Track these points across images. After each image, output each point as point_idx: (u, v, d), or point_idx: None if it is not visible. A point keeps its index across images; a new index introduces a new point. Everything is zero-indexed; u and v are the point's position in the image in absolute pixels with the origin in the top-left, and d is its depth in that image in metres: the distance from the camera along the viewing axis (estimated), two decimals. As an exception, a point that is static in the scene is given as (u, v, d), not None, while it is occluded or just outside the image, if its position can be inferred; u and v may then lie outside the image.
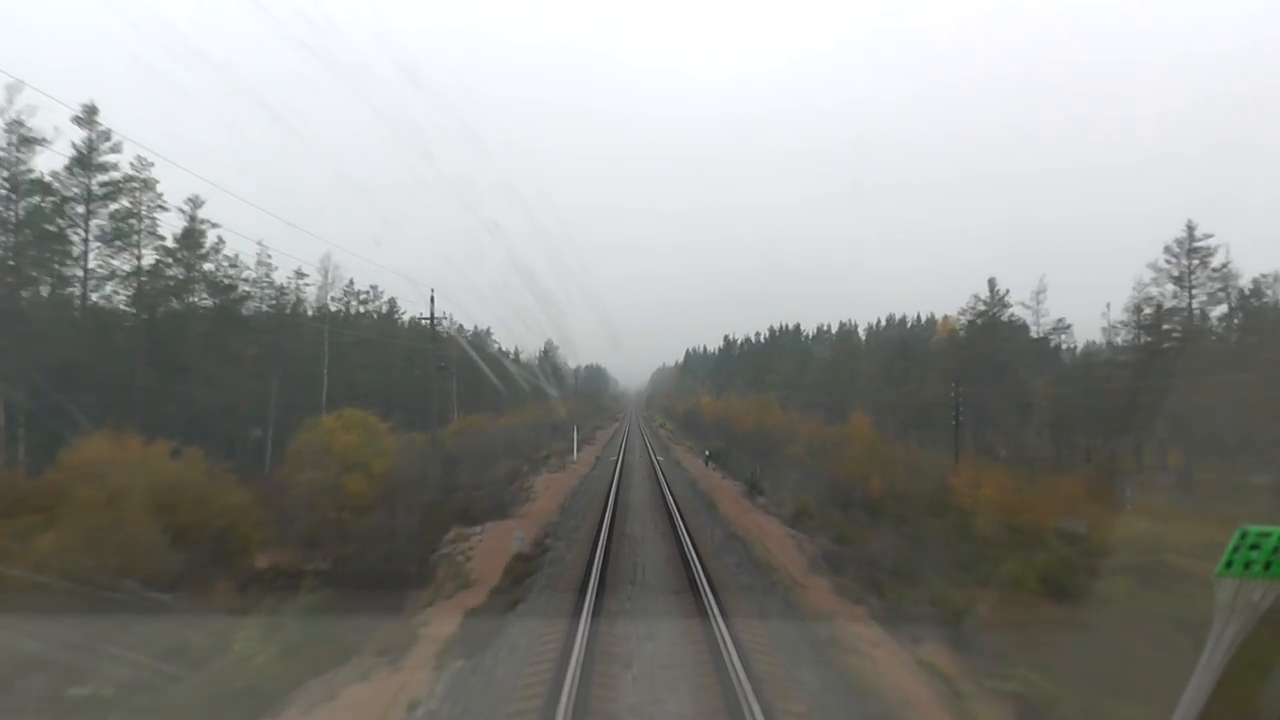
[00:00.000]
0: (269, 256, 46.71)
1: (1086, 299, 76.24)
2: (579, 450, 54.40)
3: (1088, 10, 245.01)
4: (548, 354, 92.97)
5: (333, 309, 59.65)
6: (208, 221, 40.99)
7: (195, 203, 40.80)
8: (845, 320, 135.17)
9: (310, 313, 55.36)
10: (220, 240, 41.01)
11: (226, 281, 42.72)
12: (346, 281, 60.68)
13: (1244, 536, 3.08)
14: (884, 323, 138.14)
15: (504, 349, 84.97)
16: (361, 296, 61.91)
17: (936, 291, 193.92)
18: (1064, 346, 52.61)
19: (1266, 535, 3.03)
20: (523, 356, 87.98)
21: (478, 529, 23.71)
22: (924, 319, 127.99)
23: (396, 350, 65.13)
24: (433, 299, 36.22)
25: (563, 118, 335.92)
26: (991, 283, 57.57)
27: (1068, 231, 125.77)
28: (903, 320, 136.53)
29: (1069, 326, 51.36)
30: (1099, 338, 54.25)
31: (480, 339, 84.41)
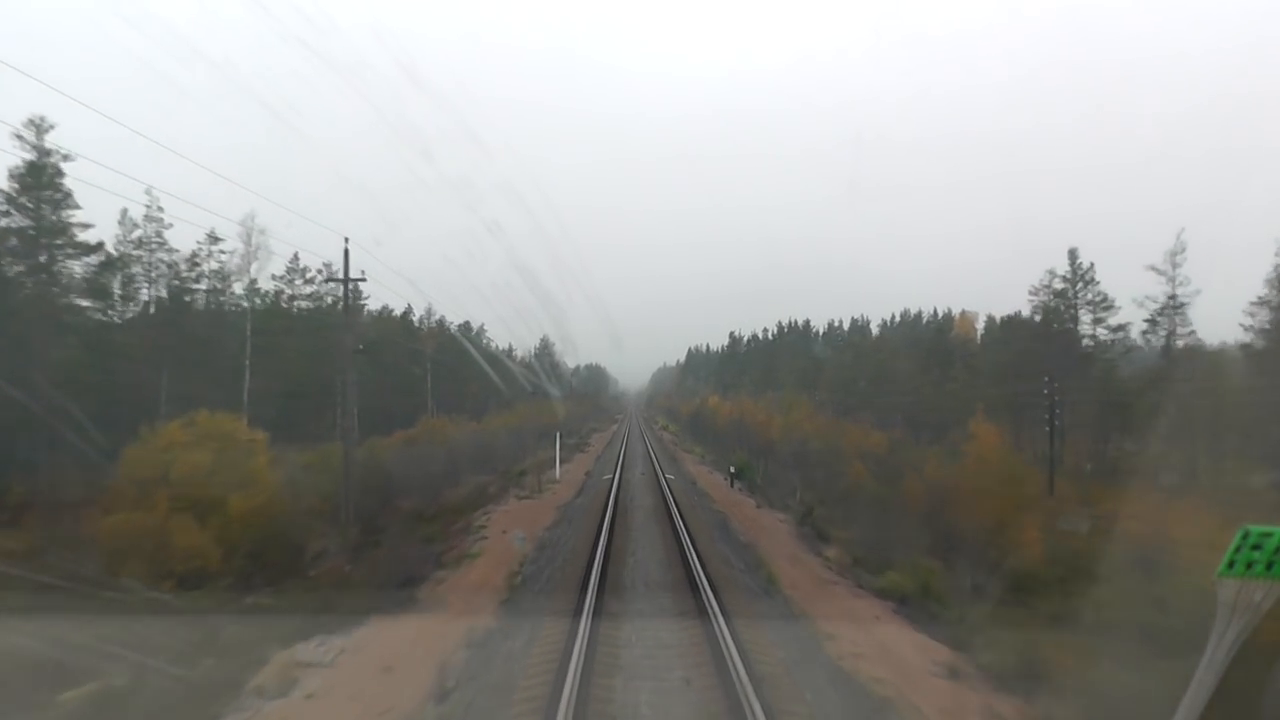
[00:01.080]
0: (160, 210, 34.97)
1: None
2: (568, 463, 42.52)
3: (1089, 11, 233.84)
4: (543, 351, 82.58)
5: (271, 287, 47.97)
6: (58, 151, 29.24)
7: (41, 127, 29.10)
8: (856, 316, 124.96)
9: (239, 289, 43.75)
10: (61, 172, 29.10)
11: (82, 239, 30.82)
12: (290, 256, 48.86)
13: (1245, 537, 2.96)
14: (897, 319, 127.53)
15: (497, 346, 75.36)
16: (309, 275, 49.93)
17: (939, 290, 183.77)
18: (1176, 334, 40.76)
19: (1268, 536, 2.91)
20: (517, 354, 77.62)
21: (335, 646, 11.87)
22: (940, 314, 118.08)
23: (354, 341, 53.39)
24: (347, 252, 24.41)
25: (563, 118, 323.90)
26: (1073, 254, 45.57)
27: (1068, 231, 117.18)
28: (918, 315, 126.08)
29: (1183, 306, 39.27)
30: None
31: (466, 332, 73.37)
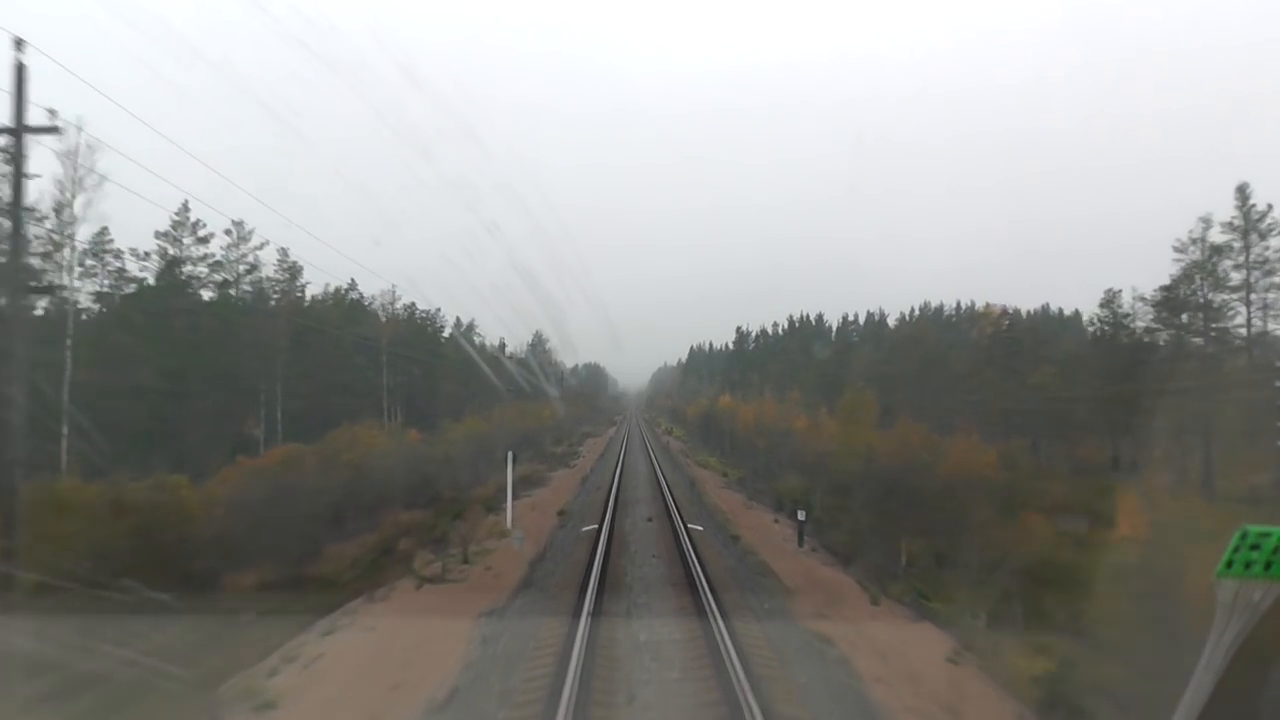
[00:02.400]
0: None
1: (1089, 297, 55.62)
2: (543, 487, 28.82)
3: (1089, 11, 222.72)
4: (537, 345, 70.33)
5: (151, 246, 34.29)
6: None
7: None
8: (872, 310, 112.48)
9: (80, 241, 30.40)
10: None
11: None
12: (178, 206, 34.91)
13: (1244, 537, 2.66)
14: (917, 312, 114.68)
15: (487, 343, 64.60)
16: (202, 233, 36.13)
17: (941, 289, 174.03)
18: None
19: (1267, 535, 2.64)
20: (508, 351, 65.88)
21: None
22: (963, 307, 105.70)
23: (283, 328, 39.85)
24: (19, 67, 10.89)
25: (562, 118, 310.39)
26: (1242, 191, 31.64)
27: (1068, 230, 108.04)
28: (939, 309, 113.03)
29: None
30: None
31: (438, 320, 60.42)
